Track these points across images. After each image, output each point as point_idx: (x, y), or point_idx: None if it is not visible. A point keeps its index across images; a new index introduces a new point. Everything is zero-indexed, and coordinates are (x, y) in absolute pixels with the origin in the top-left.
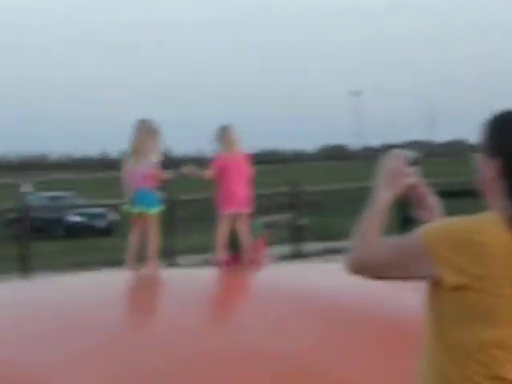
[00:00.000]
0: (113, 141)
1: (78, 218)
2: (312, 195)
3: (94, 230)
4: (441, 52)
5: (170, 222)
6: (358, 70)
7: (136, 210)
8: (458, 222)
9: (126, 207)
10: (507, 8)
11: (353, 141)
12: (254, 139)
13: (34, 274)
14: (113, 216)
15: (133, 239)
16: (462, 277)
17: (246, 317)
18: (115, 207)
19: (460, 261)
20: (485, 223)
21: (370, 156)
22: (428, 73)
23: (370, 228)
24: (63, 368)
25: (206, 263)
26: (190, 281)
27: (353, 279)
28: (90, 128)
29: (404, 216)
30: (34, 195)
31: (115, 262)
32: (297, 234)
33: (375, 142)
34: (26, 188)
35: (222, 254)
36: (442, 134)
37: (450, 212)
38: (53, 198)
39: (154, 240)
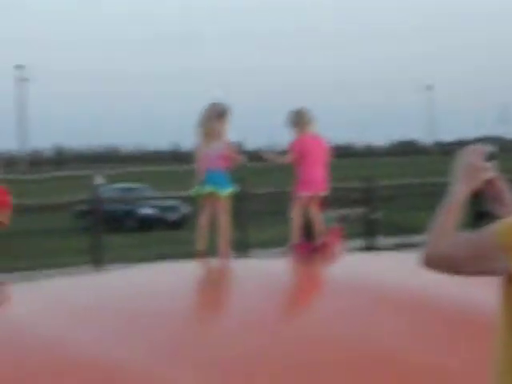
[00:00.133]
0: (185, 134)
1: (150, 211)
2: (385, 189)
3: (166, 222)
4: None
5: (243, 215)
6: (430, 65)
7: (207, 190)
8: None
9: (196, 188)
10: None
11: (424, 136)
12: (327, 133)
13: (106, 266)
14: (185, 209)
15: (203, 220)
16: None
17: (321, 307)
18: (187, 200)
19: None
20: None
21: (442, 151)
22: (500, 68)
23: (446, 223)
24: (143, 357)
25: (280, 256)
26: (264, 271)
27: (427, 273)
28: (161, 121)
29: (478, 211)
30: (106, 187)
31: (187, 255)
32: (370, 229)
33: (447, 137)
34: (98, 180)
35: (295, 236)
36: None
37: None
38: (125, 190)
39: (225, 224)
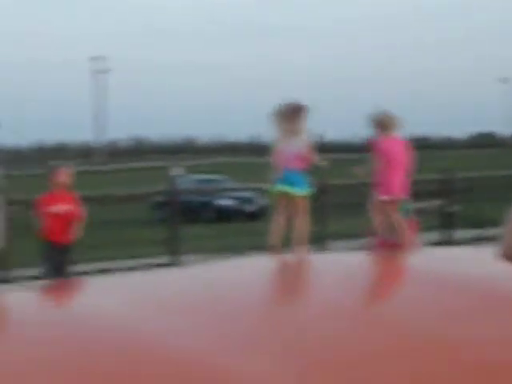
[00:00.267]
0: (263, 125)
1: (227, 202)
2: (463, 182)
3: (244, 213)
4: None
5: (322, 207)
6: (508, 57)
7: (283, 189)
8: None
9: (272, 187)
10: None
11: (503, 128)
12: (406, 125)
13: (183, 257)
14: (262, 200)
15: (277, 220)
16: None
17: (404, 301)
18: (264, 191)
19: None
20: None
21: None
22: None
23: None
24: (223, 352)
25: (358, 249)
26: (343, 265)
27: (506, 266)
28: (239, 112)
29: None
30: (183, 178)
31: (263, 247)
32: (447, 221)
33: None
34: (176, 171)
35: (375, 238)
36: None
37: None
38: (203, 182)
39: (302, 224)
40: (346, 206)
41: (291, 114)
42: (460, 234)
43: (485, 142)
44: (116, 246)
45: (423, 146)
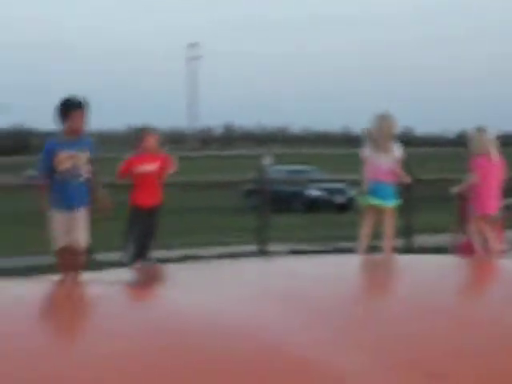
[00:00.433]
0: (355, 116)
1: (317, 193)
2: None
3: (333, 205)
4: None
5: (410, 201)
6: None
7: (372, 201)
8: None
9: (361, 197)
10: None
11: None
12: (499, 121)
13: (272, 246)
14: (352, 192)
15: (365, 231)
16: None
17: (493, 300)
18: (354, 183)
19: None
20: None
21: None
22: None
23: None
24: (320, 343)
25: (445, 245)
26: (430, 266)
27: None
28: (332, 102)
29: None
30: (274, 168)
31: (351, 238)
32: None
33: None
34: (267, 160)
35: (462, 238)
36: None
37: None
38: (293, 172)
39: (391, 234)
40: (434, 200)
41: (386, 130)
42: None
43: None
44: (205, 232)
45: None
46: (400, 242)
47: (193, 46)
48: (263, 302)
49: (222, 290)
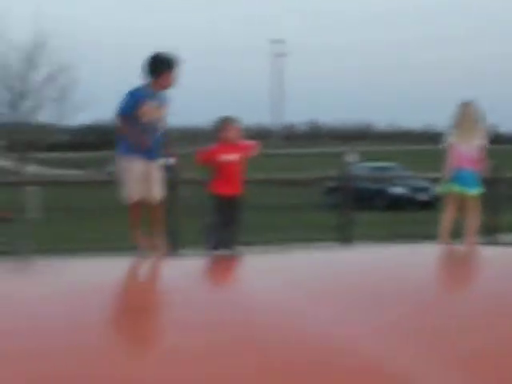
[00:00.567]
0: (437, 114)
1: (401, 190)
2: None
3: (416, 202)
4: None
5: (494, 199)
6: None
7: (455, 189)
8: None
9: (443, 185)
10: None
11: None
12: None
13: (353, 244)
14: (435, 189)
15: (447, 217)
16: None
17: None
18: (438, 181)
19: None
20: None
21: None
22: None
23: None
24: (384, 337)
25: None
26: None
27: None
28: (415, 100)
29: None
30: (357, 165)
31: (435, 237)
32: None
33: None
34: (350, 157)
35: None
36: None
37: None
38: (377, 169)
39: (474, 221)
40: None
41: (471, 118)
42: None
43: None
44: (287, 229)
45: None
46: (483, 240)
47: (278, 42)
48: (328, 294)
49: (303, 282)
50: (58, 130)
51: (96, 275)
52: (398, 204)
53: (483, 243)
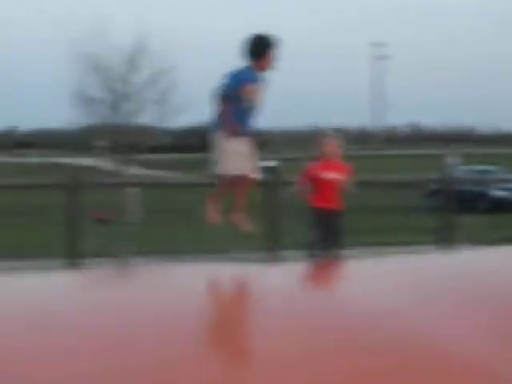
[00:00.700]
0: None
1: (502, 193)
2: None
3: None
4: None
5: None
6: None
7: None
8: None
9: None
10: None
11: None
12: None
13: (457, 246)
14: None
15: None
16: None
17: None
18: None
19: None
20: None
21: None
22: None
23: None
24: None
25: None
26: None
27: None
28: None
29: None
30: (459, 167)
31: None
32: None
33: None
34: (452, 160)
35: None
36: None
37: None
38: (478, 172)
39: None
40: None
41: None
42: None
43: None
44: (385, 231)
45: None
46: None
47: (377, 44)
48: (429, 298)
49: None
50: (159, 132)
51: (201, 280)
52: (499, 207)
53: None
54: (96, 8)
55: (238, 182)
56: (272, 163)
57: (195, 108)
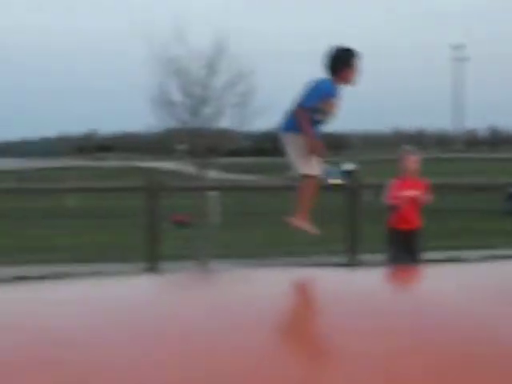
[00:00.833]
0: None
1: None
2: None
3: None
4: None
5: None
6: None
7: None
8: None
9: None
10: None
11: None
12: None
13: None
14: None
15: None
16: None
17: None
18: None
19: None
20: None
21: None
22: None
23: None
24: None
25: None
26: None
27: None
28: None
29: None
30: None
31: None
32: None
33: None
34: None
35: None
36: None
37: None
38: None
39: None
40: None
41: None
42: None
43: None
44: (465, 235)
45: None
46: None
47: (459, 47)
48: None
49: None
50: (239, 136)
51: (284, 283)
52: None
53: None
54: (174, 11)
55: (309, 183)
56: (351, 166)
57: (275, 111)
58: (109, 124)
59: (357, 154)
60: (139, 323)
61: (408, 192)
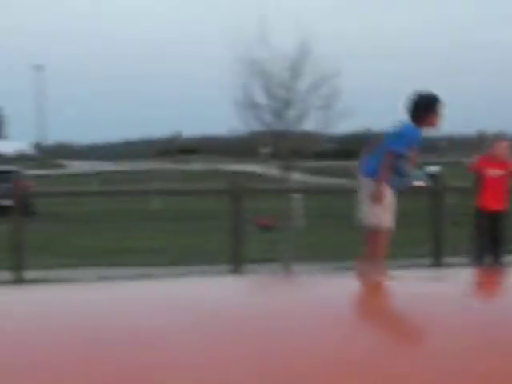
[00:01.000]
0: None
1: None
2: None
3: None
4: None
5: None
6: None
7: None
8: None
9: None
10: None
11: None
12: None
13: None
14: None
15: None
16: None
17: None
18: None
19: None
20: None
21: None
22: None
23: None
24: None
25: None
26: None
27: None
28: None
29: None
30: None
31: None
32: None
33: None
34: None
35: None
36: None
37: None
38: None
39: None
40: None
41: None
42: None
43: None
44: None
45: None
46: None
47: None
48: None
49: None
50: (324, 138)
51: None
52: None
53: None
54: (257, 13)
55: (382, 236)
56: (435, 169)
57: (360, 113)
58: (192, 127)
59: (441, 156)
60: (226, 323)
61: (494, 171)
